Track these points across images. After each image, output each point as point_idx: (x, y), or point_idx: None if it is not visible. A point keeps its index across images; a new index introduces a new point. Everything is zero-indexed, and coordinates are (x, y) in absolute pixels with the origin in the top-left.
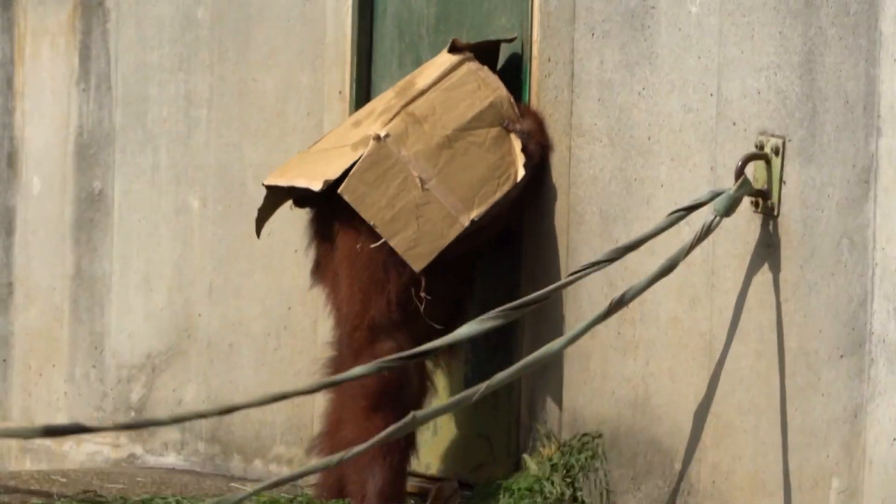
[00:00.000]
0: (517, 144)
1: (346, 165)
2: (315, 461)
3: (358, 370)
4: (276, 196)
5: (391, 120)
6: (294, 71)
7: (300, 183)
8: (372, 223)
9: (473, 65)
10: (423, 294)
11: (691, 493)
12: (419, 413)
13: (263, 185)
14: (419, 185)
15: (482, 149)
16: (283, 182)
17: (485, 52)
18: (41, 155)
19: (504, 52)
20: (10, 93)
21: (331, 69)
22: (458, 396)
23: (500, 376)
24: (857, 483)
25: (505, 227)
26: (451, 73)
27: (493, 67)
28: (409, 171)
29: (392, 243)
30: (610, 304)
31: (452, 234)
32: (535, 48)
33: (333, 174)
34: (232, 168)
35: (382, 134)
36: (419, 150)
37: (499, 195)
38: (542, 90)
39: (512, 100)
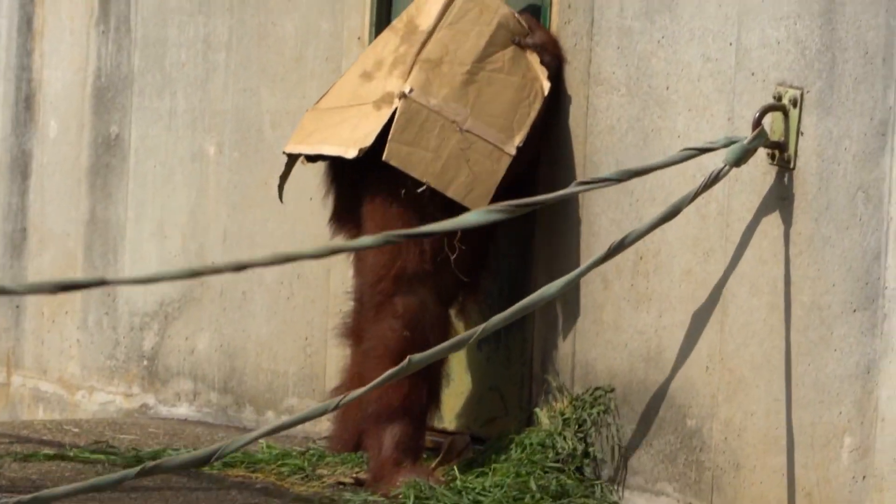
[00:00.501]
0: (534, 59)
1: (377, 129)
2: (336, 417)
3: (365, 240)
4: (293, 159)
5: (409, 72)
6: (314, 15)
7: (328, 151)
8: (424, 181)
9: None
10: (457, 243)
11: (703, 449)
12: (415, 357)
13: (284, 152)
14: (457, 128)
15: (504, 73)
16: (307, 149)
17: None
18: (58, 98)
19: (526, 0)
20: (29, 33)
21: (350, 14)
22: (454, 339)
23: (497, 318)
24: (870, 441)
25: (536, 149)
26: (451, 6)
27: None
28: (443, 118)
29: (449, 194)
30: (609, 248)
31: (503, 167)
32: None
33: (365, 140)
34: (249, 113)
35: (407, 90)
36: (446, 93)
37: (534, 115)
38: (562, 37)
39: (516, 14)
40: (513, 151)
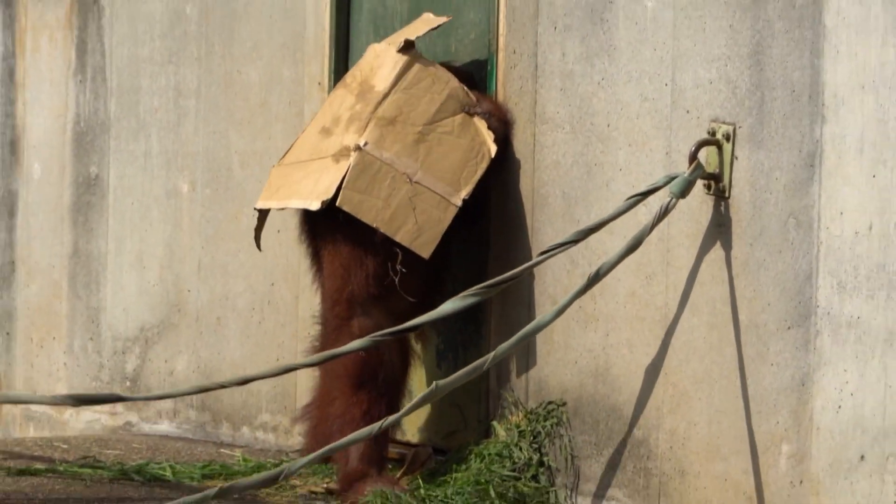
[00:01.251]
0: (482, 125)
1: (336, 181)
2: (304, 431)
3: (355, 344)
4: (264, 213)
5: (365, 127)
6: (276, 63)
7: (295, 204)
8: (375, 226)
9: (422, 61)
10: (399, 266)
11: (650, 457)
12: (441, 382)
13: (256, 208)
14: (408, 180)
15: (453, 136)
16: (276, 205)
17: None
18: (41, 142)
19: (473, 46)
20: (11, 84)
21: (310, 62)
22: (471, 366)
23: (504, 347)
24: (806, 448)
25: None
26: (405, 74)
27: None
28: (395, 170)
29: (398, 239)
30: (588, 279)
31: (449, 216)
32: (502, 41)
33: (327, 193)
34: (219, 154)
35: (362, 143)
36: (398, 149)
37: (480, 173)
38: (508, 80)
39: (465, 88)
40: (459, 203)
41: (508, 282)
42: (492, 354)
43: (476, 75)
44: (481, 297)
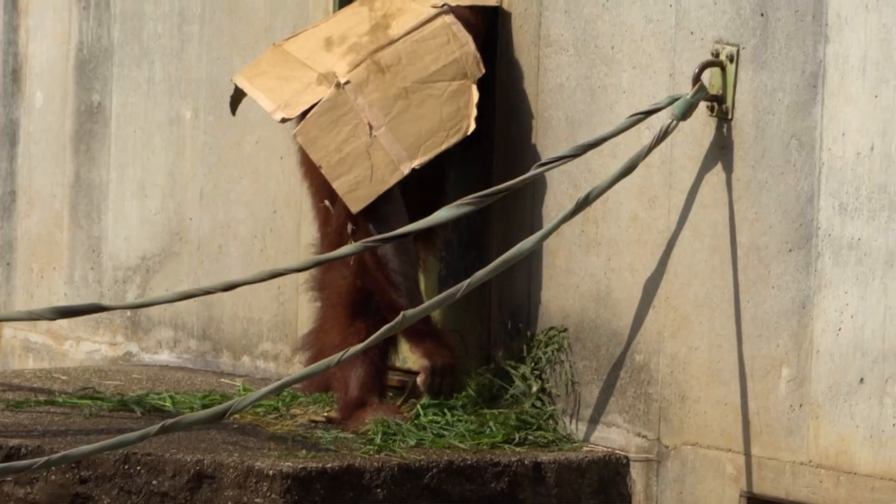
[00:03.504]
0: (475, 97)
1: (306, 105)
2: (306, 359)
3: (347, 248)
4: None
5: (357, 65)
6: None
7: (262, 103)
8: (318, 164)
9: (449, 18)
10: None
11: (651, 382)
12: (408, 312)
13: (232, 80)
14: (368, 131)
15: (438, 101)
16: (248, 89)
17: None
18: (43, 70)
19: None
20: (14, 11)
21: None
22: (442, 295)
23: (480, 274)
24: (805, 372)
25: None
26: (425, 25)
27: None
28: (360, 118)
29: (334, 185)
30: (576, 203)
31: (392, 181)
32: None
33: (293, 111)
34: (222, 81)
35: (343, 81)
36: (375, 98)
37: (445, 146)
38: (513, 3)
39: (478, 56)
40: (406, 171)
41: (502, 192)
42: (466, 283)
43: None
44: (476, 207)
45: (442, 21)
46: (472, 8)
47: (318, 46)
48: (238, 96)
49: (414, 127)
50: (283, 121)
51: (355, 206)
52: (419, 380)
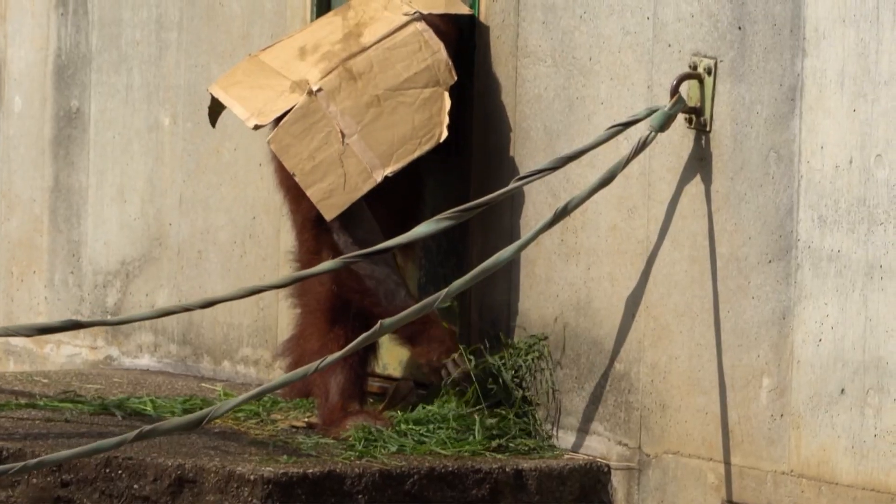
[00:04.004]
0: (447, 104)
1: (279, 112)
2: (286, 365)
3: (325, 265)
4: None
5: (329, 72)
6: None
7: (236, 111)
8: (292, 172)
9: (420, 25)
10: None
11: (631, 391)
12: (386, 321)
13: (208, 90)
14: (341, 139)
15: (411, 109)
16: (223, 98)
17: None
18: (22, 75)
19: None
20: None
21: None
22: (421, 303)
23: (458, 283)
24: (786, 381)
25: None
26: (397, 32)
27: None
28: (333, 125)
29: (308, 193)
30: (555, 213)
31: (365, 188)
32: None
33: (266, 118)
34: (200, 87)
35: (315, 88)
36: (347, 106)
37: (417, 153)
38: (490, 14)
39: (450, 64)
40: (379, 178)
41: (482, 206)
42: (444, 291)
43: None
44: (455, 221)
45: (413, 28)
46: (444, 16)
47: (292, 56)
48: (216, 108)
49: (386, 134)
50: (256, 128)
51: (329, 214)
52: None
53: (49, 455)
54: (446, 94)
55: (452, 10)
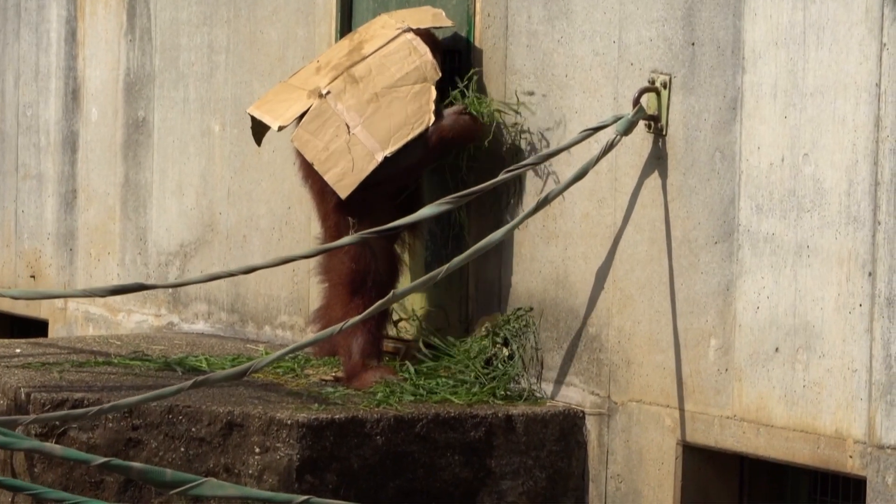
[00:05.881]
0: (433, 96)
1: (299, 113)
2: (316, 331)
3: (346, 239)
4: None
5: (336, 78)
6: (292, 24)
7: (266, 120)
8: (311, 162)
9: (409, 35)
10: (351, 223)
11: (602, 350)
12: (397, 291)
13: (248, 112)
14: (348, 131)
15: (404, 101)
16: (258, 115)
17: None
18: (98, 91)
19: (455, 10)
20: (74, 43)
21: (320, 23)
22: (425, 277)
23: (456, 260)
24: (730, 342)
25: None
26: (390, 43)
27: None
28: (341, 120)
29: (325, 177)
30: (537, 203)
31: (370, 168)
32: (478, 5)
33: (287, 120)
34: (244, 100)
35: (324, 91)
36: (351, 104)
37: (411, 136)
38: (483, 39)
39: (435, 64)
40: (380, 158)
41: (476, 193)
42: (445, 266)
43: (456, 36)
44: (454, 205)
45: (404, 38)
46: (429, 29)
47: (310, 74)
48: (258, 128)
49: (385, 123)
50: (281, 128)
51: (343, 193)
52: None
53: (121, 400)
54: (433, 88)
55: (437, 24)
